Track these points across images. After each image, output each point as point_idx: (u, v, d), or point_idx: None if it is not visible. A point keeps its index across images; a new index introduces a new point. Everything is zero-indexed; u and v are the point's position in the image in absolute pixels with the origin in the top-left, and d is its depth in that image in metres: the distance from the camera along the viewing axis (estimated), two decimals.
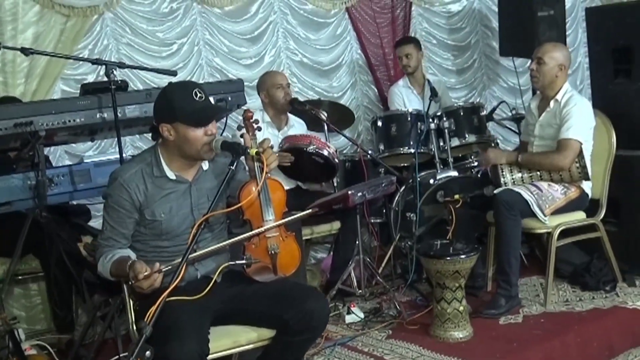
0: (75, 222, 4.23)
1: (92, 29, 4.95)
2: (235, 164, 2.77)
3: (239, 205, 2.83)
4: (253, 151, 2.79)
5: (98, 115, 3.40)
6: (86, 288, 3.84)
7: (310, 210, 2.89)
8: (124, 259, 2.72)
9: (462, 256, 3.74)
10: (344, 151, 5.73)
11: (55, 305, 4.04)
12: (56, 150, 4.77)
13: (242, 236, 2.83)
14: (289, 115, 4.94)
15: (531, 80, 4.38)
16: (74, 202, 4.30)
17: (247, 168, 2.97)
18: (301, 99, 5.19)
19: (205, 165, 2.97)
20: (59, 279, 3.86)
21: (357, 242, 4.40)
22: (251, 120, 3.12)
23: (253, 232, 2.86)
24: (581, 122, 4.11)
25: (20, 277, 4.41)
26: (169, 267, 2.60)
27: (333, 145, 4.94)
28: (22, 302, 4.70)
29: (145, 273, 2.52)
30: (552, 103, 4.23)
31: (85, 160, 3.82)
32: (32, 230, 3.50)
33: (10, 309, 4.62)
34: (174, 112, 2.75)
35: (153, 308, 2.41)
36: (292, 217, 2.89)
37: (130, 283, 2.59)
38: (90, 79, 4.82)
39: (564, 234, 4.20)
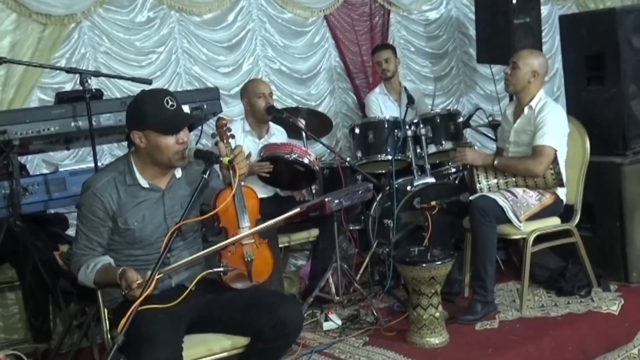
0: (53, 230, 4.20)
1: (70, 38, 4.94)
2: (208, 172, 2.78)
3: (215, 211, 2.84)
4: (226, 159, 2.80)
5: (73, 124, 3.40)
6: (62, 297, 3.82)
7: (287, 215, 2.89)
8: (109, 268, 2.74)
9: (438, 263, 3.74)
10: (323, 158, 5.73)
11: (30, 314, 4.02)
12: (34, 158, 4.75)
13: (219, 244, 2.83)
14: (270, 123, 4.94)
15: (504, 84, 4.42)
16: (52, 211, 4.29)
17: (221, 176, 2.98)
18: (279, 106, 5.20)
19: (179, 174, 2.98)
20: (34, 288, 3.84)
21: (335, 249, 4.42)
22: (224, 128, 3.13)
23: (231, 239, 2.86)
24: (555, 129, 4.14)
25: None
26: (162, 275, 2.62)
27: (312, 152, 4.96)
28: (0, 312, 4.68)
29: (139, 281, 2.53)
30: (526, 109, 4.26)
31: (60, 169, 3.81)
32: (8, 239, 3.49)
33: None
34: (144, 119, 2.77)
35: (125, 318, 2.42)
36: (270, 222, 2.88)
37: (123, 293, 2.60)
38: (68, 87, 4.78)
39: (540, 239, 4.23)
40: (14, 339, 4.57)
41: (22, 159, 4.59)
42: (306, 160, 4.45)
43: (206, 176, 2.78)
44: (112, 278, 2.65)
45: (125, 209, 2.84)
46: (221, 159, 2.80)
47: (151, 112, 2.76)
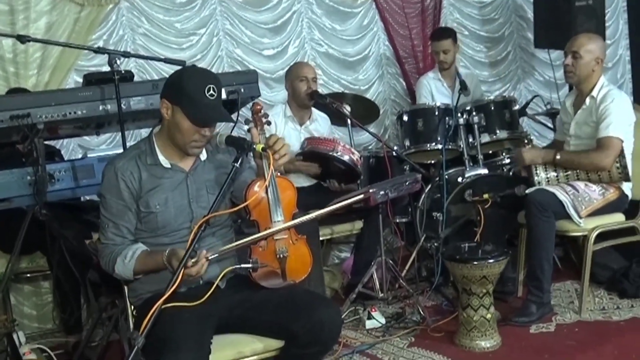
0: (86, 218, 4.06)
1: (108, 19, 4.82)
2: (240, 161, 2.57)
3: (245, 204, 2.62)
4: (259, 147, 2.57)
5: (101, 107, 3.20)
6: (91, 289, 3.66)
7: (321, 211, 2.66)
8: (152, 252, 2.58)
9: (490, 260, 3.53)
10: (369, 147, 5.51)
11: (58, 306, 3.88)
12: (69, 143, 4.63)
13: (248, 239, 2.62)
14: (313, 109, 4.73)
15: (565, 76, 4.11)
16: (87, 198, 4.15)
17: (252, 165, 2.77)
18: (326, 91, 4.99)
19: (204, 156, 2.79)
20: (62, 279, 3.71)
21: (379, 243, 4.18)
22: (260, 114, 2.90)
23: (261, 234, 2.65)
24: (621, 119, 3.86)
25: (29, 275, 4.30)
26: (216, 255, 2.48)
27: (356, 139, 4.74)
28: (33, 300, 4.62)
29: (194, 259, 2.37)
30: (587, 100, 3.99)
31: (88, 155, 3.64)
32: (35, 227, 3.33)
33: (21, 307, 4.55)
34: (180, 96, 2.58)
35: (147, 318, 2.22)
36: (303, 218, 2.67)
37: (176, 272, 2.38)
38: (106, 70, 4.64)
39: (602, 237, 3.95)
40: (47, 329, 4.50)
41: (57, 144, 4.47)
42: (346, 159, 4.25)
43: (238, 165, 2.56)
44: (159, 261, 2.49)
45: (145, 190, 2.66)
46: (254, 146, 2.57)
47: (189, 93, 2.56)
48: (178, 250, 2.44)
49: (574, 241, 4.44)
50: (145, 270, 2.62)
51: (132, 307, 2.81)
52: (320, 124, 4.73)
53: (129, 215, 2.68)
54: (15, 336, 3.28)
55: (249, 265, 2.63)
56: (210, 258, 2.43)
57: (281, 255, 2.71)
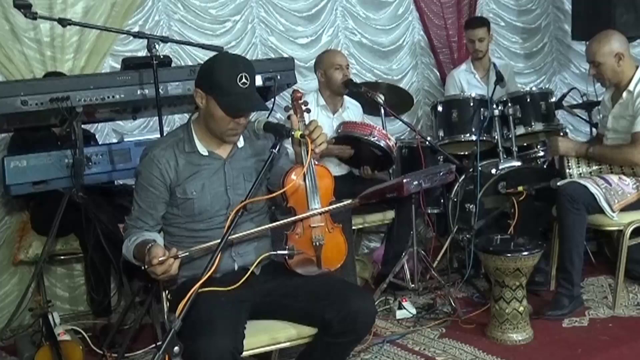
0: (119, 203, 4.08)
1: (144, 4, 4.84)
2: (278, 147, 2.56)
3: (283, 190, 2.62)
4: (298, 133, 2.57)
5: (139, 92, 3.25)
6: (125, 273, 3.69)
7: (356, 200, 2.65)
8: (146, 242, 2.52)
9: (524, 253, 3.48)
10: (402, 137, 5.49)
11: (91, 288, 3.92)
12: (104, 127, 4.67)
13: (282, 221, 2.63)
14: (344, 97, 4.71)
15: (599, 83, 4.10)
16: (120, 182, 4.18)
17: (290, 154, 2.76)
18: (358, 81, 4.96)
19: (241, 143, 2.79)
20: (96, 262, 3.73)
21: (411, 233, 4.16)
22: (300, 101, 2.88)
23: (295, 217, 2.65)
24: None
25: (63, 257, 4.33)
26: (186, 254, 2.42)
27: (390, 129, 4.70)
28: (66, 283, 4.65)
29: (161, 258, 2.33)
30: (624, 94, 3.92)
31: (125, 140, 3.67)
32: (71, 210, 3.38)
33: (54, 289, 4.58)
34: (211, 84, 2.57)
35: (183, 301, 2.22)
36: (338, 205, 2.66)
37: (143, 268, 2.41)
38: (141, 55, 4.66)
39: (637, 232, 3.88)
40: (79, 311, 4.53)
41: (92, 128, 4.50)
42: (383, 144, 4.21)
43: (276, 151, 2.56)
44: (143, 252, 2.45)
45: (183, 178, 2.67)
46: (293, 132, 2.56)
47: (220, 82, 2.54)
48: (154, 246, 2.40)
49: (608, 236, 4.39)
50: (140, 259, 2.56)
51: (167, 291, 2.83)
52: (352, 111, 4.70)
53: (155, 204, 2.69)
54: (50, 317, 3.32)
55: (285, 252, 2.62)
56: (180, 256, 2.39)
57: (317, 243, 2.70)
